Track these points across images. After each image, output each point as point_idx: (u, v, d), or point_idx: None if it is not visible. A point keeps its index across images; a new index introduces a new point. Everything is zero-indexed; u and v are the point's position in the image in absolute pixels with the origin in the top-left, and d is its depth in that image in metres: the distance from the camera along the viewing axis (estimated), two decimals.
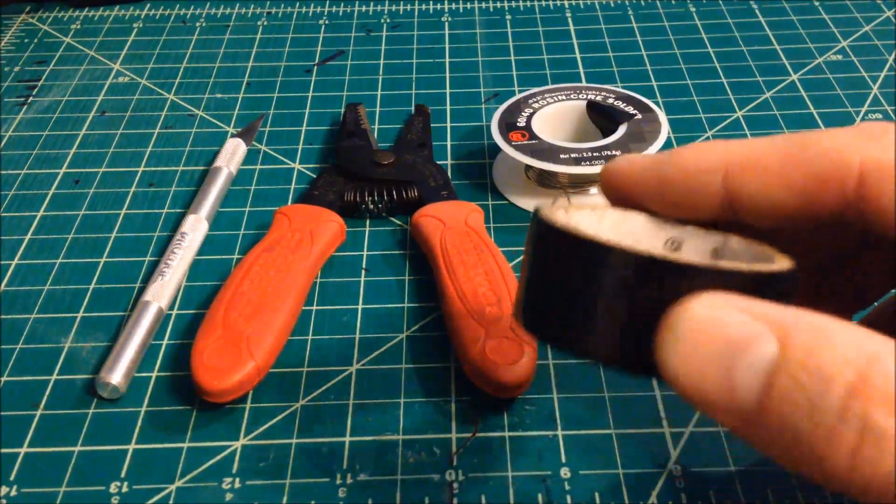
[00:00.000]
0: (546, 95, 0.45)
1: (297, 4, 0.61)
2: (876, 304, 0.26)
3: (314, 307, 0.38)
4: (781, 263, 0.20)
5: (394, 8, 0.60)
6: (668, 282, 0.18)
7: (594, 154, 0.40)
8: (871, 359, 0.16)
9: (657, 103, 0.49)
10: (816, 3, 0.59)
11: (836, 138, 0.20)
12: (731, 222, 0.22)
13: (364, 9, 0.60)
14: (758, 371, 0.17)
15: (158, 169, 0.46)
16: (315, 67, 0.54)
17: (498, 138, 0.42)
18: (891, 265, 0.24)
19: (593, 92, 0.45)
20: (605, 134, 0.43)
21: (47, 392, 0.34)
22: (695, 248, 0.23)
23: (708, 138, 0.46)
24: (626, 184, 0.23)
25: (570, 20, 0.58)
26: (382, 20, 0.59)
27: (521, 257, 0.21)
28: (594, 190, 0.42)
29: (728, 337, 0.17)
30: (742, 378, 0.17)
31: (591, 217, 0.24)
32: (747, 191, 0.21)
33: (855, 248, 0.24)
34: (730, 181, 0.21)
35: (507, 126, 0.43)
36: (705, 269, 0.18)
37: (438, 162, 0.44)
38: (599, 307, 0.19)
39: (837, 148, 0.20)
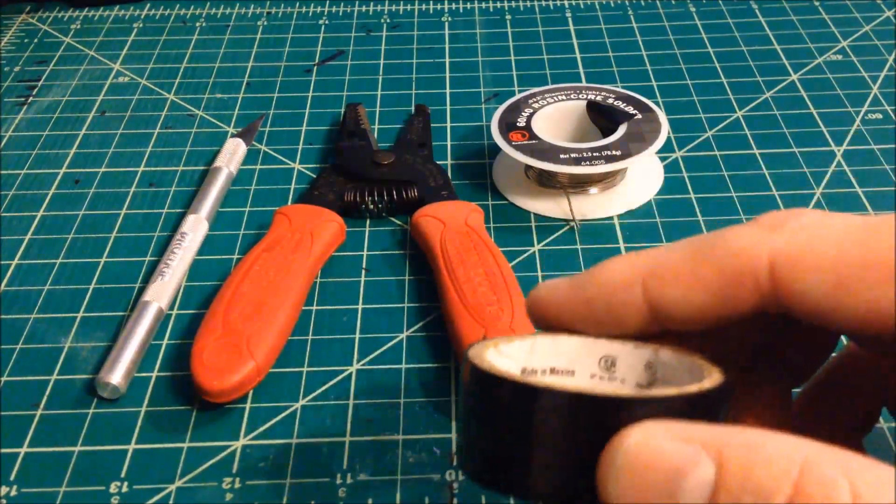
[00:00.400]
0: (546, 95, 0.45)
1: (297, 4, 0.61)
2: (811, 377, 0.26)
3: (314, 307, 0.38)
4: (711, 377, 0.20)
5: (394, 8, 0.60)
6: (600, 416, 0.18)
7: (594, 154, 0.40)
8: (804, 468, 0.16)
9: (657, 103, 0.49)
10: (816, 3, 0.59)
11: (741, 237, 0.21)
12: (660, 332, 0.22)
13: (364, 9, 0.60)
14: (699, 495, 0.17)
15: (158, 169, 0.46)
16: (315, 67, 0.54)
17: (498, 138, 0.42)
18: (819, 343, 0.25)
19: (593, 92, 0.45)
20: (605, 134, 0.43)
21: (47, 392, 0.34)
22: (627, 364, 0.23)
23: (708, 138, 0.47)
24: (552, 310, 0.23)
25: (570, 20, 0.58)
26: (382, 20, 0.59)
27: (462, 398, 0.22)
28: (594, 190, 0.42)
29: (666, 465, 0.17)
30: (685, 503, 0.17)
31: (522, 347, 0.23)
32: (667, 299, 0.21)
33: (783, 332, 0.24)
34: (648, 292, 0.22)
35: (507, 126, 0.43)
36: (636, 399, 0.19)
37: (438, 162, 0.44)
38: (537, 448, 0.19)
39: (743, 247, 0.20)
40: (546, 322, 0.23)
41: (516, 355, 0.23)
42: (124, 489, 0.31)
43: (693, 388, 0.19)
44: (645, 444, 0.18)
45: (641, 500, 0.17)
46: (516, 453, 0.19)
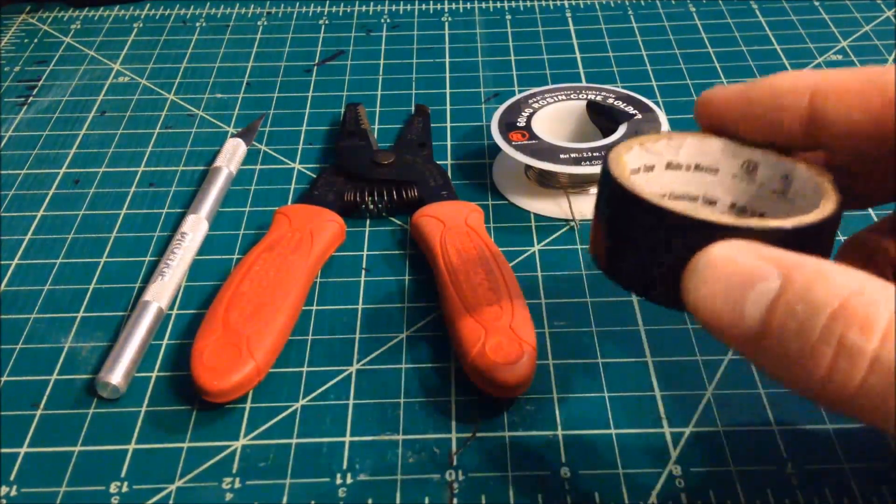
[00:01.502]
0: (546, 95, 0.45)
1: (297, 4, 0.61)
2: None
3: (314, 307, 0.38)
4: (824, 207, 0.23)
5: (394, 8, 0.60)
6: (706, 236, 0.22)
7: (594, 154, 0.40)
8: (856, 291, 0.19)
9: (657, 103, 0.49)
10: (816, 3, 0.59)
11: None
12: (807, 148, 0.25)
13: (364, 9, 0.60)
14: (762, 302, 0.20)
15: (158, 169, 0.46)
16: (315, 67, 0.54)
17: (498, 138, 0.42)
18: None
19: (593, 92, 0.45)
20: (605, 134, 0.43)
21: (47, 392, 0.34)
22: (767, 172, 0.26)
23: None
24: (720, 105, 0.26)
25: (570, 20, 0.58)
26: (382, 20, 0.59)
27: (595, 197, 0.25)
28: (594, 190, 0.42)
29: (740, 273, 0.21)
30: (749, 307, 0.20)
31: (670, 145, 0.27)
32: (829, 109, 0.24)
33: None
34: (815, 101, 0.24)
35: (507, 126, 0.43)
36: (737, 226, 0.22)
37: (438, 162, 0.44)
38: (650, 250, 0.23)
39: None
40: (709, 118, 0.27)
41: (662, 152, 0.27)
42: (124, 489, 0.31)
43: (788, 223, 0.22)
44: (727, 254, 0.21)
45: (712, 300, 0.21)
46: (638, 249, 0.23)
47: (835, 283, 0.19)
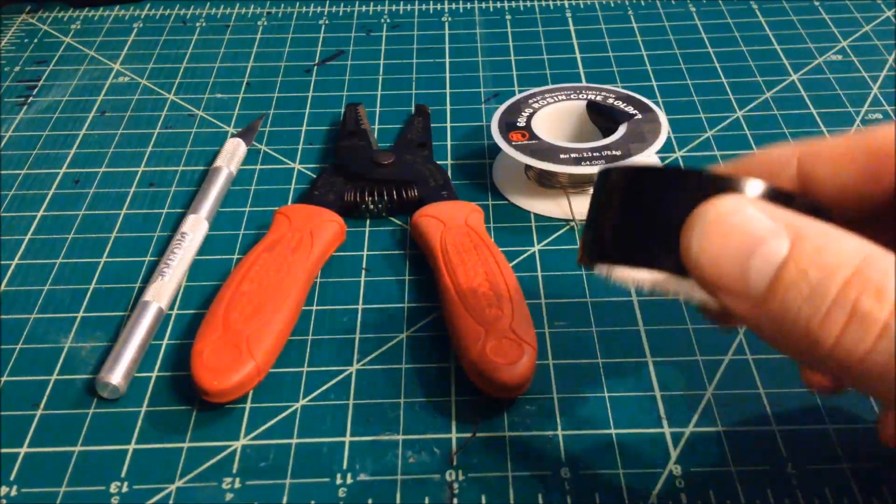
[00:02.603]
0: (546, 95, 0.45)
1: (297, 4, 0.61)
2: None
3: (314, 307, 0.38)
4: None
5: (394, 8, 0.60)
6: (714, 187, 0.21)
7: (594, 154, 0.40)
8: (868, 258, 0.19)
9: (657, 103, 0.49)
10: (816, 3, 0.59)
11: (890, 126, 0.24)
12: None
13: (364, 9, 0.60)
14: (770, 263, 0.20)
15: (158, 169, 0.46)
16: (315, 67, 0.54)
17: (498, 138, 0.42)
18: None
19: (593, 92, 0.45)
20: (605, 134, 0.43)
21: (47, 392, 0.34)
22: None
23: (708, 138, 0.47)
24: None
25: (570, 20, 0.58)
26: (382, 20, 0.59)
27: (588, 207, 0.25)
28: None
29: (747, 231, 0.20)
30: (755, 267, 0.20)
31: None
32: (818, 173, 0.25)
33: None
34: (802, 166, 0.25)
35: (507, 126, 0.43)
36: (734, 178, 0.21)
37: (438, 162, 0.44)
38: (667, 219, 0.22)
39: (891, 132, 0.24)
40: None
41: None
42: (124, 489, 0.31)
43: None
44: (736, 208, 0.20)
45: (717, 256, 0.20)
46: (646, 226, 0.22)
47: (847, 248, 0.19)
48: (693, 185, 0.21)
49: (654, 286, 0.28)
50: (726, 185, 0.21)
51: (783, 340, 0.20)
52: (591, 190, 0.42)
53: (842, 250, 0.19)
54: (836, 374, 0.21)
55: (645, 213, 0.22)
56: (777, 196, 0.22)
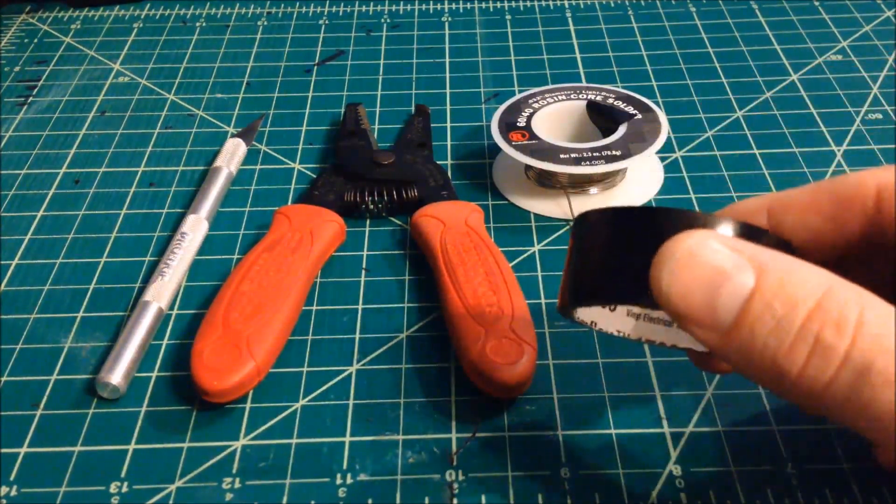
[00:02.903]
0: (546, 95, 0.45)
1: (297, 4, 0.61)
2: None
3: (314, 307, 0.38)
4: None
5: (394, 8, 0.60)
6: (674, 226, 0.22)
7: (594, 154, 0.40)
8: (829, 290, 0.20)
9: (657, 103, 0.49)
10: (816, 3, 0.59)
11: (854, 174, 0.26)
12: None
13: (364, 9, 0.60)
14: (736, 296, 0.20)
15: (158, 169, 0.46)
16: (315, 67, 0.54)
17: (498, 138, 0.42)
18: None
19: (593, 92, 0.45)
20: (605, 134, 0.43)
21: (47, 392, 0.34)
22: None
23: (708, 138, 0.47)
24: None
25: (570, 20, 0.58)
26: (382, 20, 0.59)
27: (566, 257, 0.26)
28: (594, 190, 0.42)
29: (715, 264, 0.21)
30: (723, 300, 0.20)
31: None
32: (787, 223, 0.26)
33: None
34: (772, 217, 0.26)
35: (507, 126, 0.43)
36: (702, 215, 0.22)
37: (438, 162, 0.44)
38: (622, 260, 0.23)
39: (855, 179, 0.25)
40: None
41: None
42: (124, 489, 0.31)
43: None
44: (702, 244, 0.21)
45: (685, 291, 0.21)
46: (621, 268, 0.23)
47: (809, 280, 0.20)
48: (663, 222, 0.22)
49: (639, 336, 0.28)
50: (696, 222, 0.22)
51: (751, 371, 0.21)
52: (592, 190, 0.42)
53: (805, 282, 0.20)
54: (803, 406, 0.21)
55: (620, 251, 0.23)
56: (747, 232, 0.22)
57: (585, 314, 0.28)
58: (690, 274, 0.21)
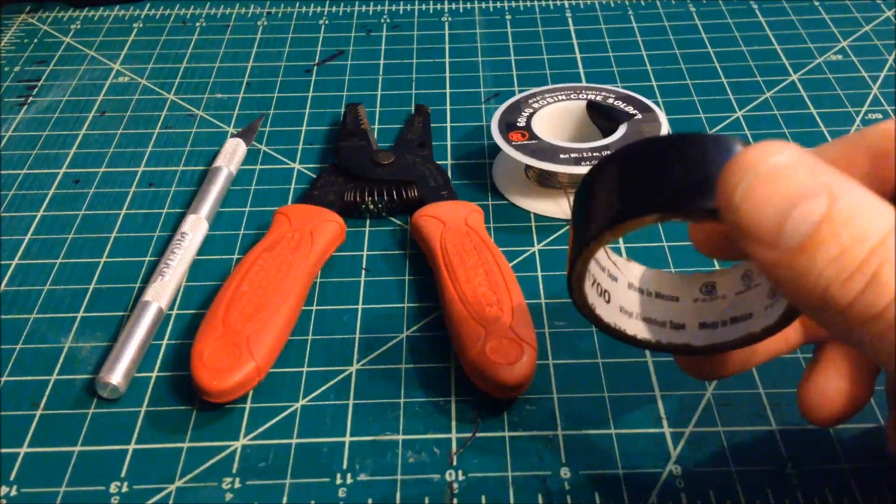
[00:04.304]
0: (546, 95, 0.45)
1: (297, 4, 0.61)
2: None
3: (314, 307, 0.38)
4: None
5: (394, 8, 0.60)
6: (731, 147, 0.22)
7: (594, 154, 0.40)
8: (893, 228, 0.20)
9: (657, 103, 0.49)
10: (816, 3, 0.59)
11: (885, 123, 0.25)
12: None
13: (364, 9, 0.60)
14: (806, 221, 0.20)
15: (158, 169, 0.46)
16: (315, 67, 0.54)
17: (498, 138, 0.42)
18: None
19: (593, 92, 0.45)
20: (605, 134, 0.43)
21: (47, 392, 0.34)
22: (726, 283, 0.27)
23: None
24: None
25: (570, 20, 0.58)
26: (382, 20, 0.59)
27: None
28: None
29: (794, 185, 0.20)
30: (792, 222, 0.20)
31: (629, 267, 0.28)
32: None
33: None
34: None
35: (507, 126, 0.43)
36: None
37: (438, 162, 0.44)
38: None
39: (888, 128, 0.25)
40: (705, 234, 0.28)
41: (623, 271, 0.28)
42: (124, 489, 0.31)
43: None
44: (786, 163, 0.20)
45: (760, 206, 0.20)
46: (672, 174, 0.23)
47: (878, 215, 0.20)
48: (719, 143, 0.22)
49: (638, 331, 0.27)
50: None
51: (797, 292, 0.21)
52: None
53: (874, 216, 0.20)
54: (835, 331, 0.21)
55: (669, 165, 0.22)
56: None
57: (592, 294, 0.27)
58: (768, 189, 0.20)
